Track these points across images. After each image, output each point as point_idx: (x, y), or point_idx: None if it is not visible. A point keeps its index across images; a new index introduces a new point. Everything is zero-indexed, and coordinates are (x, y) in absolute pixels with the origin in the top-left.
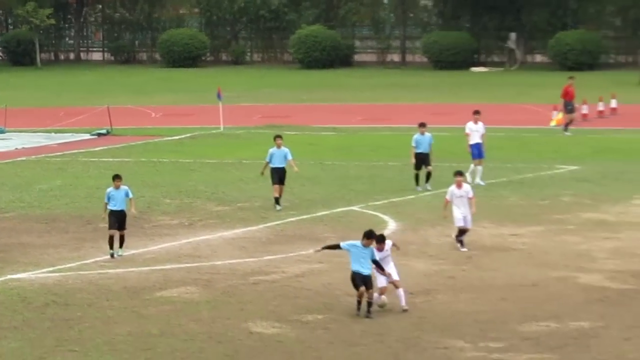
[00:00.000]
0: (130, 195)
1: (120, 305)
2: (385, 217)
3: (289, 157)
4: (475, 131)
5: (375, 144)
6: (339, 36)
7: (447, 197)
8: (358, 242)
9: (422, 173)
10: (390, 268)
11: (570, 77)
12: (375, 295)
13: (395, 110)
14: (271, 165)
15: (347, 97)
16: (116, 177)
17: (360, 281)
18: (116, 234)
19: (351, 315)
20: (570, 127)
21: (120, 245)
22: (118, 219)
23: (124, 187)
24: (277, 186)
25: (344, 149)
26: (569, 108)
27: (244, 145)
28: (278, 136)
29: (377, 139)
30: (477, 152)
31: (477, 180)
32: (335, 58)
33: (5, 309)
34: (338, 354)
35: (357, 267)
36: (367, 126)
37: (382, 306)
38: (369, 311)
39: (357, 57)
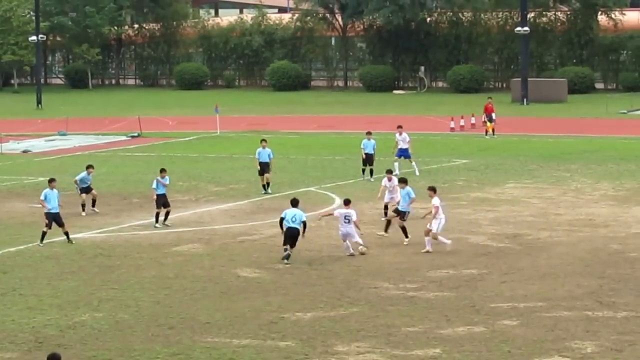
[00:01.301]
0: (167, 182)
1: (147, 256)
2: (333, 195)
3: (272, 155)
4: (400, 140)
5: (326, 143)
6: (300, 68)
7: (382, 184)
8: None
9: (367, 168)
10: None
11: (489, 97)
12: (347, 244)
13: (340, 120)
14: (259, 160)
15: (306, 111)
16: (162, 170)
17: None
18: (162, 210)
19: (309, 264)
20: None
21: (165, 218)
22: (163, 200)
23: (167, 177)
24: (261, 177)
25: (304, 147)
26: (489, 119)
27: (235, 144)
28: (263, 140)
29: (327, 140)
30: (402, 153)
31: (416, 172)
32: (297, 83)
33: (66, 259)
34: (300, 291)
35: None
36: (320, 131)
37: (363, 254)
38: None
39: (313, 83)
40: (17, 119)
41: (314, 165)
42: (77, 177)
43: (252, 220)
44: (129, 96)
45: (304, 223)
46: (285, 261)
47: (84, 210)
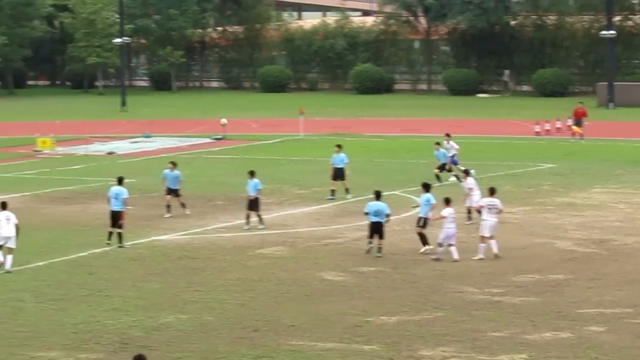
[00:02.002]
0: (260, 187)
1: (231, 258)
2: (417, 199)
3: (345, 160)
4: (448, 148)
5: (410, 147)
6: (383, 71)
7: (464, 186)
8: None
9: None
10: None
11: (580, 102)
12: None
13: (423, 124)
14: (333, 166)
15: (389, 114)
16: (251, 173)
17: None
18: (251, 213)
19: (393, 268)
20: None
21: (261, 221)
22: (253, 203)
23: (255, 180)
24: (332, 182)
25: (387, 151)
26: (577, 123)
27: (318, 147)
28: (338, 145)
29: (410, 143)
30: (452, 161)
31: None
32: (381, 87)
33: (151, 261)
34: (384, 294)
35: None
36: (404, 135)
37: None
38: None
39: (396, 86)
40: (101, 121)
41: (397, 169)
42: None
43: (337, 223)
44: (213, 99)
45: (388, 215)
46: (378, 254)
47: (168, 211)
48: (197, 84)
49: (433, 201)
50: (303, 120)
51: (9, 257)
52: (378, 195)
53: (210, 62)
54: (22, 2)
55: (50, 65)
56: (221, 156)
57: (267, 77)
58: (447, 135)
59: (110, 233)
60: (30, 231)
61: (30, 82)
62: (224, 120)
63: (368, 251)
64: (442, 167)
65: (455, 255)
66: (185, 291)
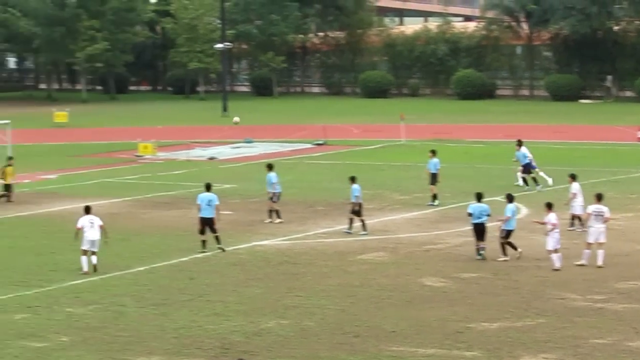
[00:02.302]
0: (357, 193)
1: (332, 264)
2: (520, 205)
3: (437, 166)
4: (520, 155)
5: (512, 153)
6: (485, 77)
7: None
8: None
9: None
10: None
11: None
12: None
13: (525, 129)
14: (428, 171)
15: (491, 120)
16: (352, 179)
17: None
18: (354, 218)
19: (495, 274)
20: None
21: (364, 227)
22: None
23: (356, 185)
24: (432, 186)
25: (489, 156)
26: None
27: (420, 153)
28: (432, 151)
29: (512, 149)
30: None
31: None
32: (482, 92)
33: (252, 266)
34: (486, 300)
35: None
36: (505, 140)
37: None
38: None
39: (498, 92)
40: (203, 126)
41: (499, 175)
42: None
43: (438, 229)
44: (314, 104)
45: (488, 216)
46: (478, 257)
47: (270, 217)
48: (298, 89)
49: (509, 213)
50: (404, 126)
51: (94, 258)
52: (480, 197)
53: (311, 68)
54: (124, 8)
55: (152, 71)
56: (322, 162)
57: (368, 82)
58: (519, 142)
59: (204, 242)
60: (131, 236)
61: (132, 88)
62: (236, 119)
63: (478, 251)
64: (527, 170)
65: (558, 264)
66: (286, 296)
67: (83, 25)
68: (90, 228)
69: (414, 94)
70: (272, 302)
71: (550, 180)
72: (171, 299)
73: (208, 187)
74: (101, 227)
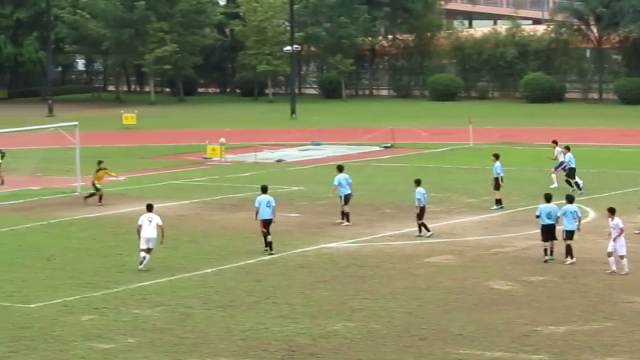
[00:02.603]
0: (419, 196)
1: (399, 267)
2: (588, 209)
3: (498, 170)
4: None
5: (579, 156)
6: (554, 80)
7: None
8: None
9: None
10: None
11: None
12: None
13: (594, 133)
14: (493, 175)
15: (559, 123)
16: (417, 182)
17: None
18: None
19: (562, 277)
20: None
21: (426, 229)
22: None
23: (419, 189)
24: (495, 191)
25: (557, 160)
26: None
27: (488, 156)
28: (494, 155)
29: (580, 152)
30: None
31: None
32: (551, 95)
33: (319, 268)
34: (553, 304)
35: None
36: (574, 143)
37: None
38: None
39: (566, 95)
40: (271, 129)
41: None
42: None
43: (505, 232)
44: (382, 107)
45: (557, 218)
46: (550, 257)
47: (343, 218)
48: (367, 92)
49: (558, 213)
50: (472, 129)
51: (147, 257)
52: (549, 199)
53: (380, 70)
54: (193, 10)
55: (220, 73)
56: (390, 164)
57: (436, 85)
58: (554, 142)
59: (269, 242)
60: (198, 238)
61: (200, 90)
62: (222, 140)
63: (546, 253)
64: (572, 174)
65: (613, 267)
66: (353, 299)
67: (152, 28)
68: (148, 226)
69: (482, 97)
70: (339, 304)
71: (555, 184)
72: (238, 301)
73: (264, 190)
74: (159, 226)
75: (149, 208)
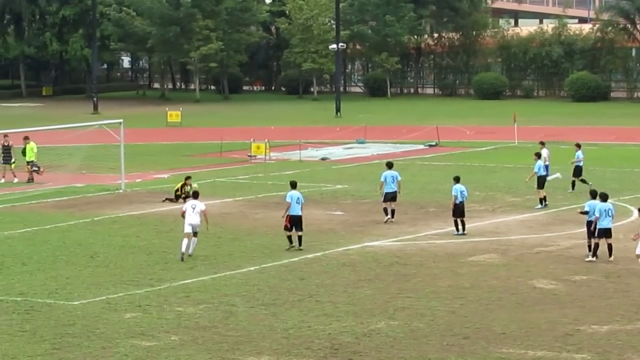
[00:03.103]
0: (455, 193)
1: (443, 265)
2: (632, 208)
3: (535, 169)
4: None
5: (625, 155)
6: (599, 79)
7: None
8: None
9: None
10: None
11: None
12: None
13: (638, 132)
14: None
15: (605, 122)
16: (456, 179)
17: None
18: (459, 219)
19: (606, 277)
20: None
21: (456, 227)
22: (462, 209)
23: (460, 186)
24: (539, 190)
25: (602, 159)
26: None
27: (531, 155)
28: (536, 154)
29: (626, 152)
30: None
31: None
32: (597, 95)
33: (362, 267)
34: (596, 304)
35: None
36: (619, 143)
37: None
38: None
39: (612, 94)
40: (316, 127)
41: (612, 177)
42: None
43: (549, 231)
44: (427, 105)
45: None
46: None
47: (387, 215)
48: (412, 90)
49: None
50: (517, 128)
51: (194, 240)
52: (594, 195)
53: (425, 69)
54: (239, 8)
55: (266, 71)
56: (434, 163)
57: (482, 84)
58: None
59: (290, 237)
60: (242, 236)
61: (245, 88)
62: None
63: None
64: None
65: None
66: (396, 297)
67: (197, 25)
68: (192, 212)
69: (527, 95)
70: (382, 303)
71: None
72: (281, 299)
73: (294, 185)
74: (203, 212)
75: (195, 195)
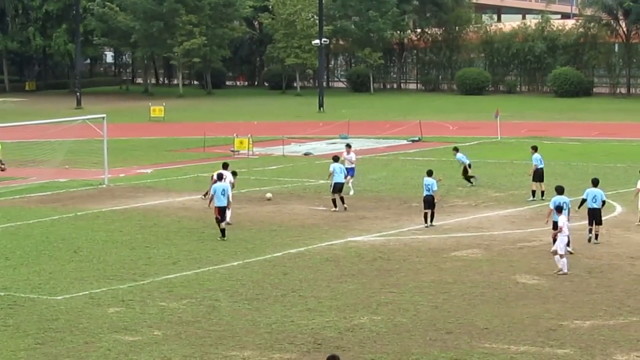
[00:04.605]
0: (435, 188)
1: (426, 260)
2: (615, 203)
3: (534, 162)
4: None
5: (608, 151)
6: (582, 75)
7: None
8: None
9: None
10: None
11: None
12: None
13: (622, 128)
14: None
15: (587, 118)
16: (428, 172)
17: None
18: (429, 212)
19: (588, 272)
20: None
21: (431, 219)
22: (430, 202)
23: (431, 179)
24: (534, 182)
25: (585, 154)
26: None
27: (514, 150)
28: (533, 147)
29: (608, 147)
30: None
31: None
32: (579, 90)
33: (345, 262)
34: (579, 299)
35: None
36: (601, 138)
37: None
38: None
39: (595, 90)
40: (299, 122)
41: (594, 173)
42: None
43: (532, 226)
44: (410, 101)
45: (604, 202)
46: (595, 241)
47: (335, 207)
48: (395, 85)
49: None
50: (500, 123)
51: (228, 213)
52: (595, 183)
53: (408, 64)
54: (222, 3)
55: (249, 66)
56: (417, 158)
57: (465, 79)
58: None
59: (223, 230)
60: (225, 231)
61: (228, 83)
62: (268, 195)
63: (589, 240)
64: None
65: None
66: (379, 292)
67: (181, 20)
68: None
69: (510, 91)
70: (365, 298)
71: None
72: (264, 294)
73: (220, 177)
74: (231, 183)
75: (225, 166)
